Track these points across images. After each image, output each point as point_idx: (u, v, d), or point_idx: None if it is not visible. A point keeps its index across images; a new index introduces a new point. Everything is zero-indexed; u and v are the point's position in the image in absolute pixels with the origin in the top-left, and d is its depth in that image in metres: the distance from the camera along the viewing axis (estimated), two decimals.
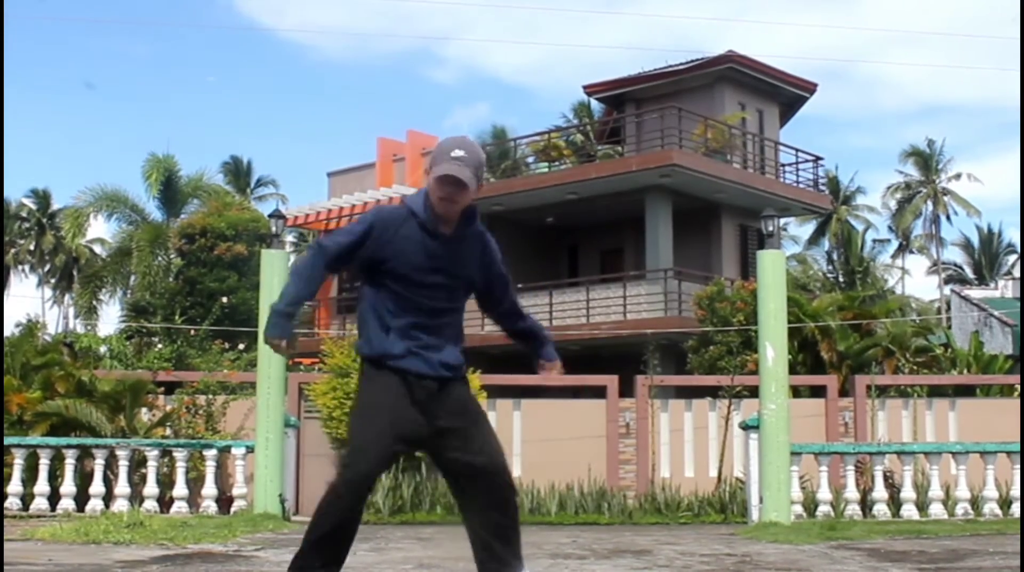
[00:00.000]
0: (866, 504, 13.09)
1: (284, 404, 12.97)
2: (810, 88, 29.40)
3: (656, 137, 26.00)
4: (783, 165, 28.69)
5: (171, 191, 31.44)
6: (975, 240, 55.80)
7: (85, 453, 13.39)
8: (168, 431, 14.79)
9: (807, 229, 51.90)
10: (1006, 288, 33.89)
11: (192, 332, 21.91)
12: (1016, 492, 13.02)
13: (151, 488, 13.05)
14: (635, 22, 79.20)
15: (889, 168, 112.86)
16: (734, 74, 27.62)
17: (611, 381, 16.39)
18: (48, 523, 10.43)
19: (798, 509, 12.64)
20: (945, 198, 52.48)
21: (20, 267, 59.33)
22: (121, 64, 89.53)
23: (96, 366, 17.27)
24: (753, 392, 13.62)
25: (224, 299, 23.72)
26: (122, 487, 12.98)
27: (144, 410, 14.96)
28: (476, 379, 14.02)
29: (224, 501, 13.28)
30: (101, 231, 59.47)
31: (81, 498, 13.02)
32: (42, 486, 13.08)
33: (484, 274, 4.29)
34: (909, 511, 12.79)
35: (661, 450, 16.16)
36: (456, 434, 4.13)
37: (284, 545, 8.33)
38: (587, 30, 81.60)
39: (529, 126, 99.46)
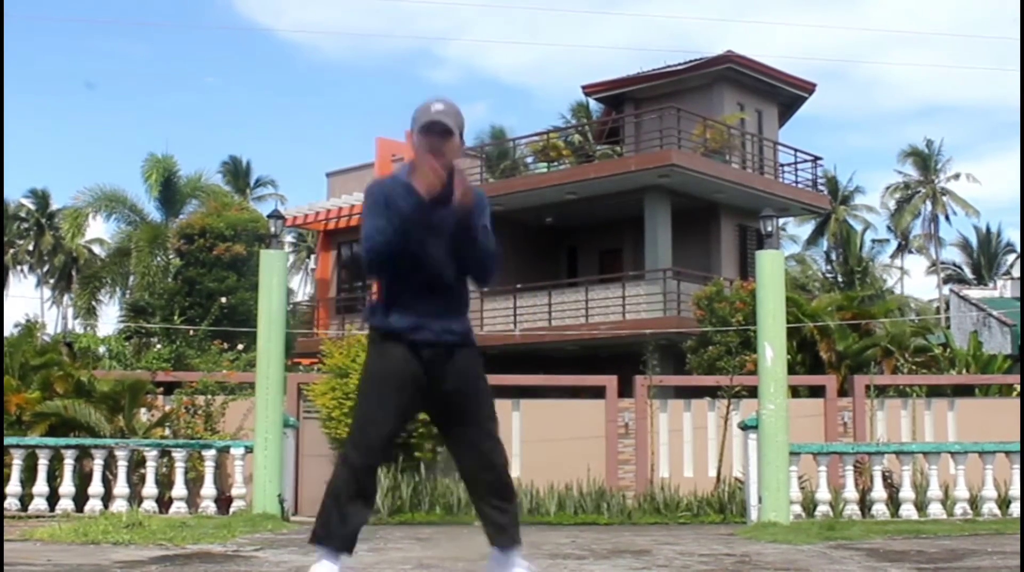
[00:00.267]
0: (865, 504, 13.09)
1: (283, 404, 12.96)
2: (809, 88, 29.41)
3: (655, 137, 26.00)
4: (782, 165, 28.69)
5: (170, 191, 31.40)
6: (974, 240, 55.90)
7: (84, 453, 13.38)
8: (167, 431, 14.79)
9: (806, 229, 52.00)
10: (1005, 288, 33.91)
11: (191, 332, 21.90)
12: (1015, 492, 13.02)
13: (150, 488, 13.03)
14: (634, 22, 79.26)
15: (888, 168, 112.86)
16: (733, 74, 27.63)
17: (610, 381, 16.39)
18: (47, 523, 10.42)
19: (797, 509, 12.64)
20: (944, 198, 52.53)
21: (19, 267, 59.36)
22: (121, 64, 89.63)
23: (95, 366, 17.27)
24: (752, 392, 13.62)
25: (223, 299, 23.70)
26: (121, 487, 12.96)
27: (143, 410, 14.96)
28: None
29: (223, 501, 13.27)
30: (100, 231, 59.53)
31: (80, 498, 13.00)
32: (41, 486, 13.06)
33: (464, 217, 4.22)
34: (908, 511, 12.79)
35: (660, 450, 16.16)
36: (459, 397, 4.23)
37: (283, 545, 8.33)
38: (586, 30, 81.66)
39: (528, 126, 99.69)
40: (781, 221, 33.10)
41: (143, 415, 14.92)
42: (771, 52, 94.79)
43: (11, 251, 56.81)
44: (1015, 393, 17.51)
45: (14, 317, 45.25)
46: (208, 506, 13.02)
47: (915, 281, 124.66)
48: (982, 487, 13.03)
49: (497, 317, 25.84)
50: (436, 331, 4.19)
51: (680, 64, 28.77)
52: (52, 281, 59.30)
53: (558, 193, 25.77)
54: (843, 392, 17.10)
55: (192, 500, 13.21)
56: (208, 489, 13.18)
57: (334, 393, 14.52)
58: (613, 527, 13.26)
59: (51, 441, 13.34)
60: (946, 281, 52.87)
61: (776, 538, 9.59)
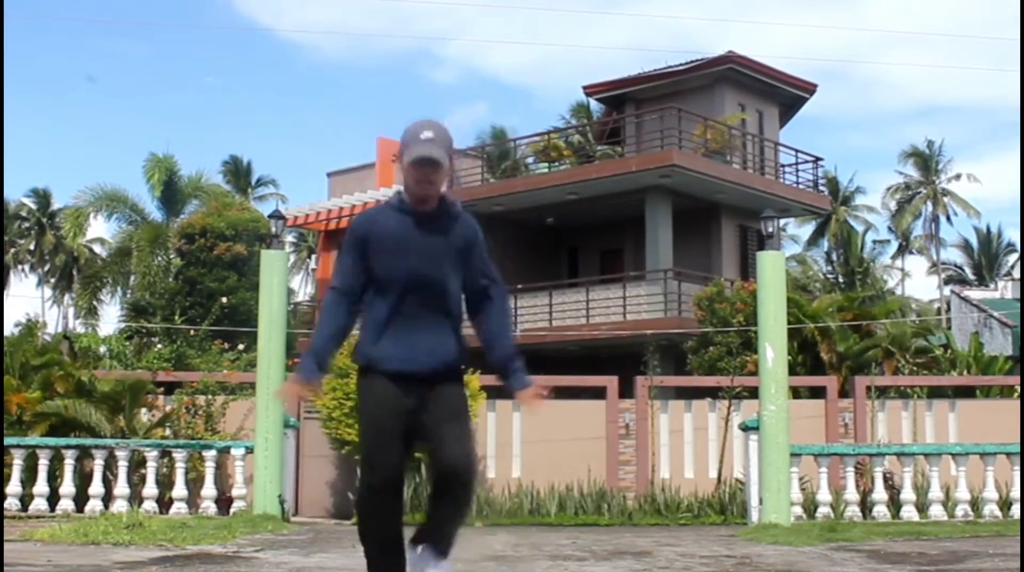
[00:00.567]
0: (866, 505, 13.08)
1: (283, 405, 12.95)
2: (809, 88, 29.39)
3: (656, 137, 26.00)
4: (783, 166, 28.68)
5: (171, 191, 31.43)
6: (974, 241, 55.88)
7: (84, 453, 13.37)
8: (167, 431, 14.77)
9: (807, 230, 51.98)
10: (1006, 289, 33.95)
11: (192, 332, 21.88)
12: (1016, 493, 13.01)
13: (150, 489, 13.03)
14: (635, 22, 79.25)
15: (888, 168, 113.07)
16: (734, 75, 27.62)
17: (611, 382, 16.38)
18: (47, 524, 10.42)
19: (798, 510, 12.63)
20: (944, 199, 52.49)
21: (20, 267, 59.34)
22: (121, 64, 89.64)
23: (96, 366, 17.24)
24: (753, 393, 13.61)
25: (224, 299, 23.67)
26: (121, 488, 12.96)
27: (143, 410, 14.95)
28: (476, 380, 14.02)
29: (223, 502, 13.26)
30: (101, 231, 59.52)
31: (80, 499, 13.00)
32: (41, 487, 13.06)
33: (465, 264, 4.25)
34: (909, 512, 12.78)
35: (661, 451, 16.15)
36: (435, 422, 4.17)
37: (283, 546, 8.33)
38: (587, 30, 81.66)
39: (529, 126, 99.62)
40: (782, 222, 33.11)
41: (144, 415, 14.91)
42: (771, 52, 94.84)
43: (12, 250, 56.81)
44: (1016, 394, 17.49)
45: (15, 317, 45.32)
46: (208, 507, 13.01)
47: (916, 282, 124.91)
48: (983, 489, 13.02)
49: None
50: (421, 362, 4.14)
51: (681, 64, 28.77)
52: (53, 281, 59.29)
53: (559, 193, 25.77)
54: (844, 393, 17.09)
55: (192, 501, 13.20)
56: (208, 489, 13.17)
57: (335, 393, 14.49)
58: (614, 528, 13.26)
59: (51, 441, 13.34)
60: (947, 282, 52.86)
61: (777, 539, 9.59)
